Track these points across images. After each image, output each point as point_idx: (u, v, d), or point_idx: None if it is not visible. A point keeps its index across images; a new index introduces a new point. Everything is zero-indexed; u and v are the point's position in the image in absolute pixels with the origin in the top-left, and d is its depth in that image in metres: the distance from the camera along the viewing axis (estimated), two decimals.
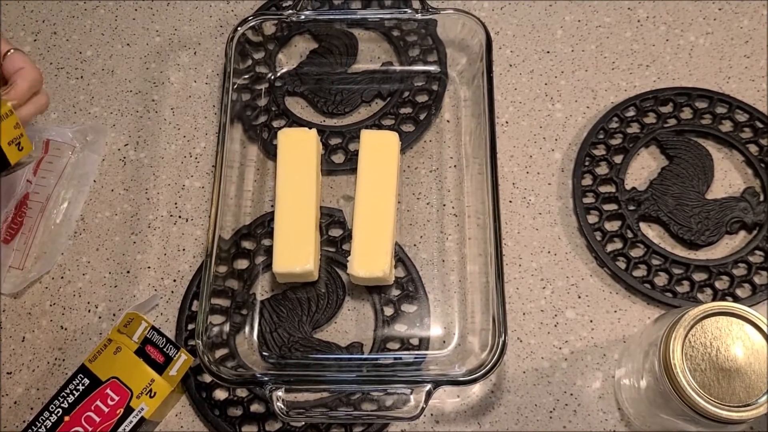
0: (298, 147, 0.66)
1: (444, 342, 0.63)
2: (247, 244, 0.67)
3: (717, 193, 0.68)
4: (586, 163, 0.69)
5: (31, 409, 0.62)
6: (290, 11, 0.70)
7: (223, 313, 0.63)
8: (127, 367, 0.59)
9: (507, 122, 0.71)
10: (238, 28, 0.69)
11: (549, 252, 0.66)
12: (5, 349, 0.64)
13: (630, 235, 0.66)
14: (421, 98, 0.72)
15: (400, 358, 0.62)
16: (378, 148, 0.66)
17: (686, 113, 0.70)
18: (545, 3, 0.77)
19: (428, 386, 0.55)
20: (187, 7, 0.79)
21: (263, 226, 0.67)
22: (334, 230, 0.67)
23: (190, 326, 0.64)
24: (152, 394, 0.58)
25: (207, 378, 0.62)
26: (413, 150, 0.71)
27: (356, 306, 0.65)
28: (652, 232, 0.67)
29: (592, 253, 0.66)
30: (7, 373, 0.64)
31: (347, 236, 0.66)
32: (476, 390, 0.62)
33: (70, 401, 0.58)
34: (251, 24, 0.70)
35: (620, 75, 0.73)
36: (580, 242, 0.66)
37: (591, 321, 0.64)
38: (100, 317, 0.65)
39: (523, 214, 0.68)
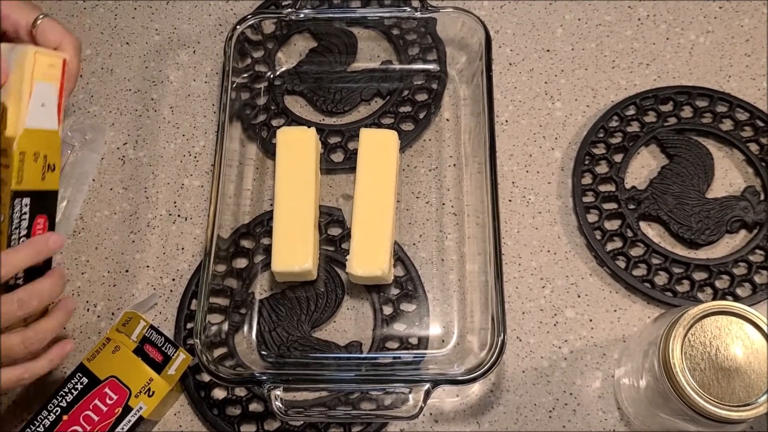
0: (298, 146, 0.66)
1: (443, 341, 0.63)
2: (246, 243, 0.67)
3: (717, 192, 0.68)
4: (586, 162, 0.69)
5: (30, 408, 0.62)
6: (289, 10, 0.70)
7: (222, 312, 0.63)
8: (125, 366, 0.59)
9: (507, 121, 0.71)
10: (237, 27, 0.69)
11: (548, 251, 0.66)
12: None
13: (630, 234, 0.65)
14: (421, 97, 0.72)
15: (399, 358, 0.62)
16: (377, 146, 0.66)
17: (686, 112, 0.70)
18: (545, 2, 0.77)
19: (427, 385, 0.55)
20: (187, 6, 0.79)
21: (262, 225, 0.67)
22: (333, 229, 0.67)
23: (189, 325, 0.64)
24: (151, 393, 0.58)
25: (206, 377, 0.62)
26: (412, 149, 0.70)
27: (355, 305, 0.65)
28: (652, 231, 0.67)
29: (592, 252, 0.66)
30: None
31: (346, 235, 0.66)
32: (475, 389, 0.62)
33: (68, 400, 0.58)
34: (250, 22, 0.70)
35: (620, 74, 0.73)
36: (579, 241, 0.66)
37: (590, 320, 0.63)
38: (98, 316, 0.65)
39: (522, 213, 0.68)
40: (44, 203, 0.56)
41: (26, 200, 0.54)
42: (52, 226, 0.57)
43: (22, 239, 0.54)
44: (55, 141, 0.56)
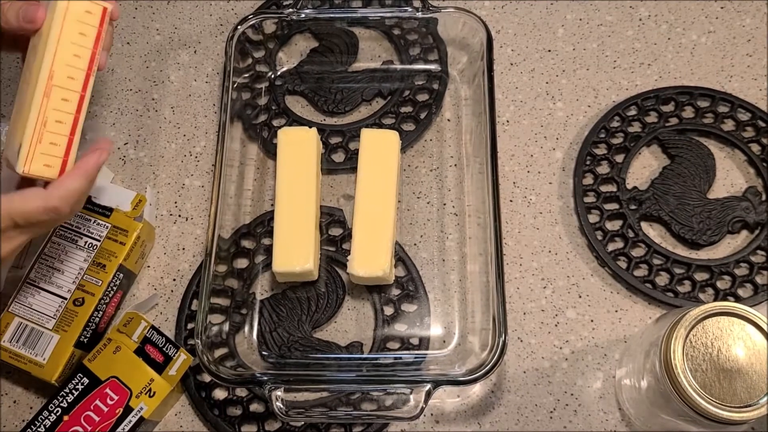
0: (299, 146, 0.66)
1: (444, 342, 0.63)
2: (246, 244, 0.67)
3: (719, 193, 0.68)
4: (587, 163, 0.68)
5: (31, 408, 0.62)
6: (290, 10, 0.70)
7: (223, 313, 0.63)
8: (126, 366, 0.59)
9: (508, 121, 0.71)
10: (239, 27, 0.69)
11: (550, 251, 0.66)
12: None
13: (631, 234, 0.65)
14: (422, 97, 0.72)
15: (400, 358, 0.62)
16: (378, 147, 0.66)
17: (688, 112, 0.70)
18: (546, 2, 0.76)
19: (428, 386, 0.55)
20: (188, 6, 0.78)
21: (263, 225, 0.67)
22: (334, 229, 0.67)
23: (190, 325, 0.64)
24: (151, 394, 0.58)
25: (206, 377, 0.62)
26: (414, 149, 0.70)
27: (356, 305, 0.65)
28: (653, 231, 0.67)
29: (593, 253, 0.65)
30: (7, 372, 0.64)
31: (347, 235, 0.66)
32: (476, 390, 0.62)
33: (69, 400, 0.58)
34: (251, 22, 0.70)
35: (622, 74, 0.73)
36: (581, 242, 0.66)
37: (592, 321, 0.63)
38: None
39: (523, 214, 0.67)
40: (127, 282, 0.65)
41: (122, 275, 0.63)
42: (121, 302, 0.65)
43: (105, 305, 0.62)
44: (152, 234, 0.67)
